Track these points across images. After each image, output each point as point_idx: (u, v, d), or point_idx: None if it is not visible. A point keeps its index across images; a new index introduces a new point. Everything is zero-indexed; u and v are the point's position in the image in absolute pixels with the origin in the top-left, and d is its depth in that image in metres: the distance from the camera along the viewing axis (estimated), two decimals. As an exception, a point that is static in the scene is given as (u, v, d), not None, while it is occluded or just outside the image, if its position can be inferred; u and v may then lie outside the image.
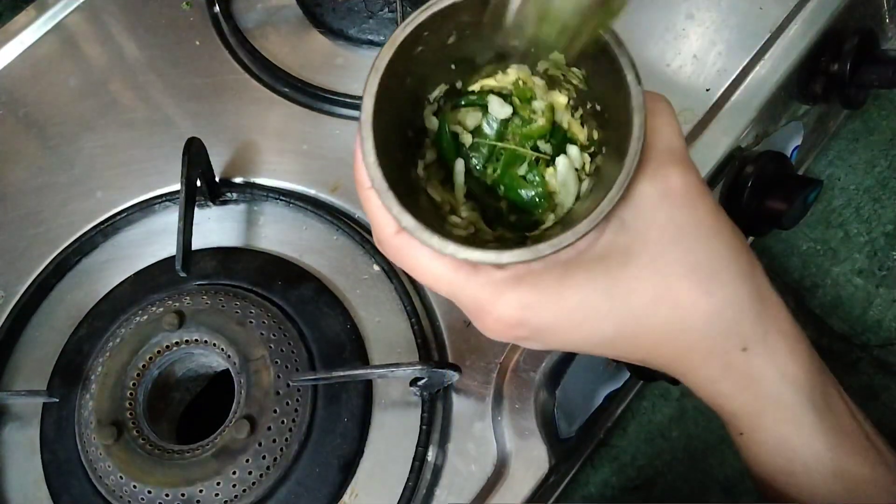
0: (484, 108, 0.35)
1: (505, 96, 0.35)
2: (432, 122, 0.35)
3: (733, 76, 0.53)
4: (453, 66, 0.33)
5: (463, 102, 0.35)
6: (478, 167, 0.36)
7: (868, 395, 0.59)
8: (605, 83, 0.30)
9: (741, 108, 0.52)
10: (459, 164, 0.35)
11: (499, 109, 0.35)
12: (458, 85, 0.34)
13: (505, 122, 0.35)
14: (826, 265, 0.64)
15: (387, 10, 0.60)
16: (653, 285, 0.29)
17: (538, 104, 0.34)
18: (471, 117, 0.35)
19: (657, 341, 0.31)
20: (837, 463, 0.32)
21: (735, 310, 0.30)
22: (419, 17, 0.28)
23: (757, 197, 0.53)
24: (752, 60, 0.53)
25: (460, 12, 0.29)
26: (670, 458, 0.60)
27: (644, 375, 0.52)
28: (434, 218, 0.32)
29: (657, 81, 0.54)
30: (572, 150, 0.34)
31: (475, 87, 0.34)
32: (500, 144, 0.35)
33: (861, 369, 0.60)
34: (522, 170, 0.35)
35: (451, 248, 0.27)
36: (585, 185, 0.33)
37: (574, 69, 0.32)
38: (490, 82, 0.34)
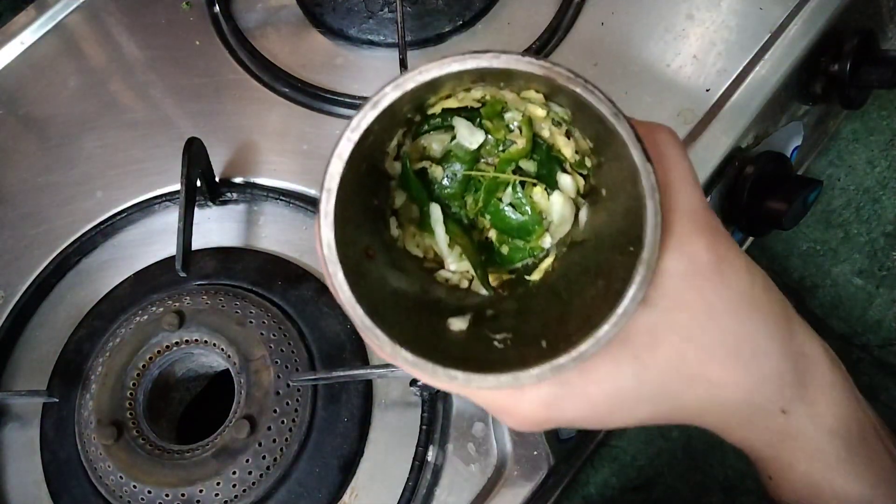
0: (450, 129, 0.31)
1: (471, 117, 0.31)
2: (394, 168, 0.31)
3: (733, 76, 0.53)
4: (409, 115, 0.29)
5: (425, 128, 0.31)
6: (456, 203, 0.32)
7: (868, 395, 0.59)
8: (597, 131, 0.26)
9: (741, 108, 0.52)
10: (436, 211, 0.31)
11: (468, 137, 0.31)
12: (416, 118, 0.30)
13: (478, 147, 0.31)
14: (826, 265, 0.64)
15: (387, 10, 0.60)
16: (686, 367, 0.28)
17: (512, 115, 0.30)
18: (437, 141, 0.31)
19: (693, 416, 0.30)
20: None
21: (775, 383, 0.29)
22: (363, 121, 0.24)
23: (757, 197, 0.53)
24: (752, 60, 0.53)
25: (409, 98, 0.25)
26: (670, 458, 0.60)
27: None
28: (431, 312, 0.29)
29: (657, 82, 0.54)
30: (564, 180, 0.30)
31: (435, 109, 0.30)
32: (476, 174, 0.31)
33: (861, 369, 0.60)
34: (507, 196, 0.31)
35: (462, 376, 0.24)
36: (584, 212, 0.30)
37: (556, 107, 0.28)
38: (451, 103, 0.29)
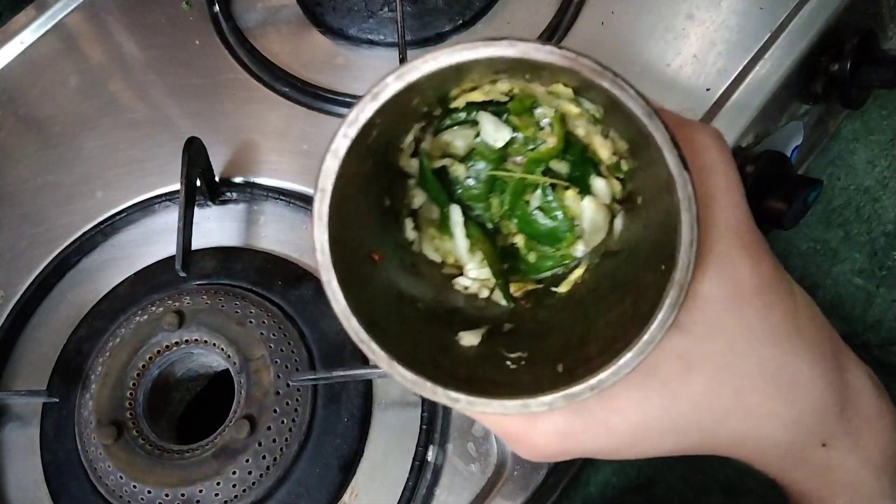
0: (475, 125, 0.29)
1: (499, 112, 0.28)
2: (411, 166, 0.28)
3: (733, 76, 0.53)
4: (426, 109, 0.27)
5: (448, 123, 0.28)
6: (479, 206, 0.30)
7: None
8: (632, 131, 0.24)
9: (741, 107, 0.52)
10: (456, 213, 0.29)
11: (494, 134, 0.28)
12: (436, 112, 0.28)
13: (505, 144, 0.29)
14: (826, 265, 0.64)
15: (387, 9, 0.60)
16: (721, 398, 0.25)
17: (543, 112, 0.27)
18: (460, 138, 0.29)
19: (723, 448, 0.28)
20: None
21: (817, 414, 0.27)
22: (362, 114, 0.22)
23: (757, 197, 0.53)
24: (752, 60, 0.53)
25: (417, 89, 0.22)
26: (670, 458, 0.60)
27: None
28: (442, 323, 0.27)
29: (657, 81, 0.54)
30: (598, 184, 0.27)
31: (458, 103, 0.27)
32: (502, 174, 0.29)
33: (861, 369, 0.60)
34: (536, 198, 0.29)
35: (464, 399, 0.22)
36: (619, 220, 0.28)
37: (588, 103, 0.26)
38: (475, 96, 0.27)
